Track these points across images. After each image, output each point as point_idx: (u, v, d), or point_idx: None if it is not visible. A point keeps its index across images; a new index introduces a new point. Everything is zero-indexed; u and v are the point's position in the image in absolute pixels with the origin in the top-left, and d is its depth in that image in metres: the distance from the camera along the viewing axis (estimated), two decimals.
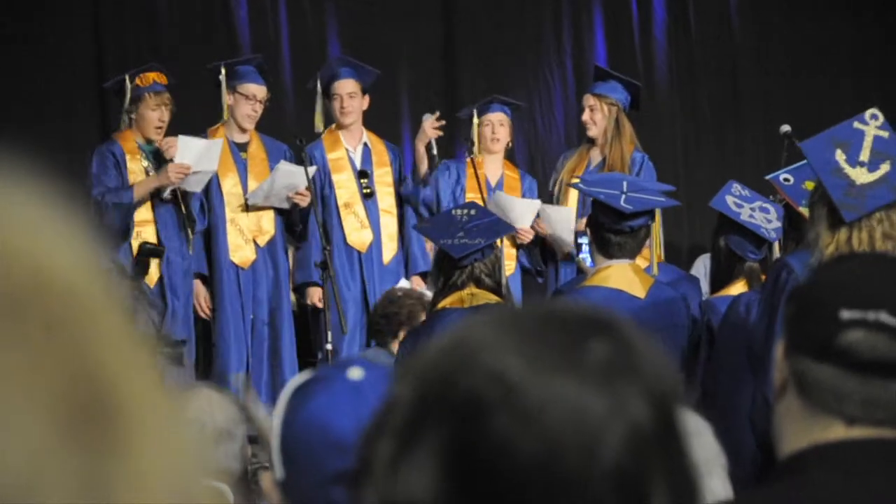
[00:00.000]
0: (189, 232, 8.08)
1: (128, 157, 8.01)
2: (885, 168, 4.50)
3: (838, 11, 10.86)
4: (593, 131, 8.41)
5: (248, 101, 8.23)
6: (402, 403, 1.24)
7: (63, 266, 0.88)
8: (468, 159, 8.55)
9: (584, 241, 5.18)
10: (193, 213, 8.07)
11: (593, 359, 1.21)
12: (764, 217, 5.83)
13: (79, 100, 9.60)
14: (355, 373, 2.03)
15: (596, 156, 8.46)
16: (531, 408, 1.19)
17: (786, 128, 8.32)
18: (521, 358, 1.21)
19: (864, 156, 4.52)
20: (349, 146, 8.51)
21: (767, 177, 5.49)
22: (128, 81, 7.97)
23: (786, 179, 5.29)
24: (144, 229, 8.00)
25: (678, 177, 10.08)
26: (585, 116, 8.44)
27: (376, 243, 8.44)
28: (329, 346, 8.11)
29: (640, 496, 1.19)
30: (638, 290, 5.31)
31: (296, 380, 2.10)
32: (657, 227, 5.48)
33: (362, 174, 8.48)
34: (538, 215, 8.35)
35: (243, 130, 8.28)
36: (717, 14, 10.82)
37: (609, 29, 10.60)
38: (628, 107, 8.46)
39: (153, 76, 8.01)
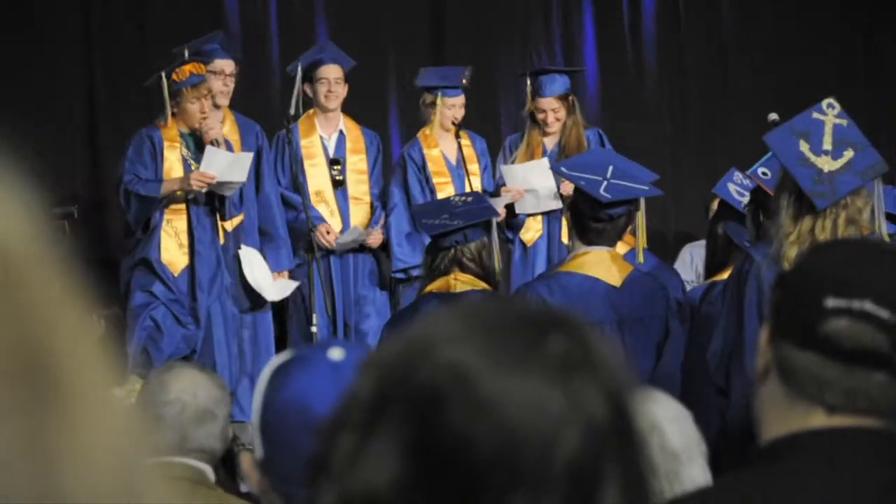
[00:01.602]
0: (221, 224, 8.05)
1: (166, 144, 7.96)
2: (848, 155, 4.56)
3: (827, 3, 10.87)
4: (556, 128, 8.48)
5: (216, 76, 8.19)
6: (362, 396, 1.25)
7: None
8: (422, 136, 8.57)
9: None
10: (226, 207, 8.01)
11: (550, 354, 1.23)
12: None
13: (67, 77, 9.57)
14: (336, 353, 2.03)
15: (549, 140, 8.51)
16: (487, 401, 1.20)
17: (773, 116, 8.31)
18: (478, 351, 1.22)
19: (827, 144, 4.57)
20: (324, 133, 8.48)
21: (747, 172, 5.52)
22: (164, 79, 7.91)
23: (763, 173, 5.32)
24: (176, 217, 7.96)
25: (665, 167, 10.09)
26: (551, 119, 8.45)
27: (345, 232, 8.41)
28: (314, 329, 8.11)
29: (594, 489, 1.21)
30: (614, 278, 5.27)
31: (276, 359, 2.10)
32: (641, 216, 5.44)
33: (334, 161, 8.45)
34: (505, 183, 8.40)
35: (217, 107, 8.23)
36: (706, 5, 10.82)
37: (599, 20, 10.59)
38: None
39: (189, 69, 7.95)
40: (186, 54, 8.09)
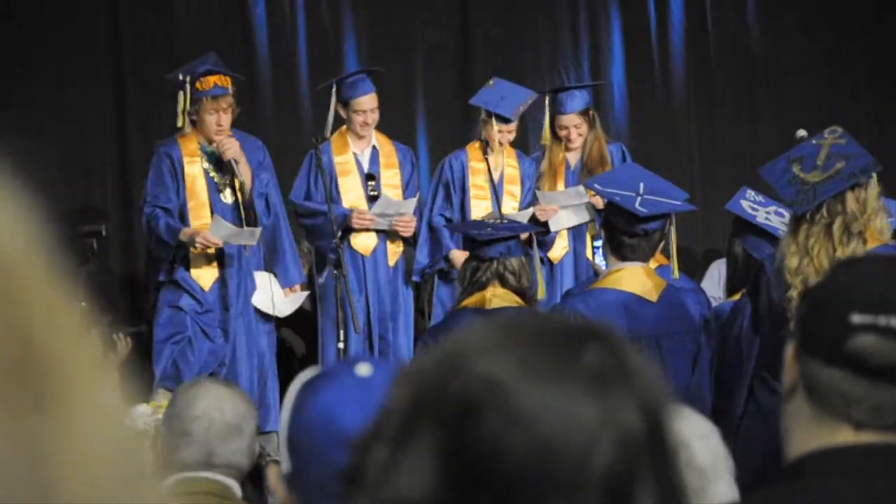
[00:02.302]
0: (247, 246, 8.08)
1: (185, 160, 7.93)
2: (839, 165, 4.58)
3: (854, 13, 10.84)
4: (578, 143, 8.52)
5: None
6: (396, 408, 1.26)
7: None
8: (470, 149, 8.60)
9: (599, 242, 5.16)
10: (255, 215, 8.02)
11: (586, 367, 1.23)
12: (780, 220, 5.85)
13: (96, 91, 9.61)
14: (363, 369, 2.03)
15: (572, 156, 8.55)
16: (522, 412, 1.20)
17: (802, 132, 8.29)
18: (513, 363, 1.23)
19: (820, 160, 4.60)
20: (357, 149, 8.50)
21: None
22: (188, 84, 7.86)
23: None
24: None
25: (693, 181, 10.07)
26: (574, 135, 8.49)
27: (381, 247, 8.43)
28: (341, 346, 8.12)
29: (628, 501, 1.21)
30: (650, 293, 5.28)
31: (304, 374, 2.10)
32: (673, 231, 5.45)
33: (369, 177, 8.48)
34: (538, 202, 8.45)
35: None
36: (734, 17, 10.81)
37: (626, 31, 10.59)
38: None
39: (214, 80, 7.86)
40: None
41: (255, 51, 9.59)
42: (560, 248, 8.56)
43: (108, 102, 9.65)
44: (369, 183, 8.47)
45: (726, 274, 6.16)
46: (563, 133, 8.53)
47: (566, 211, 8.45)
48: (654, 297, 5.26)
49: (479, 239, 5.78)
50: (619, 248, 5.30)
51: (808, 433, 1.93)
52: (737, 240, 5.94)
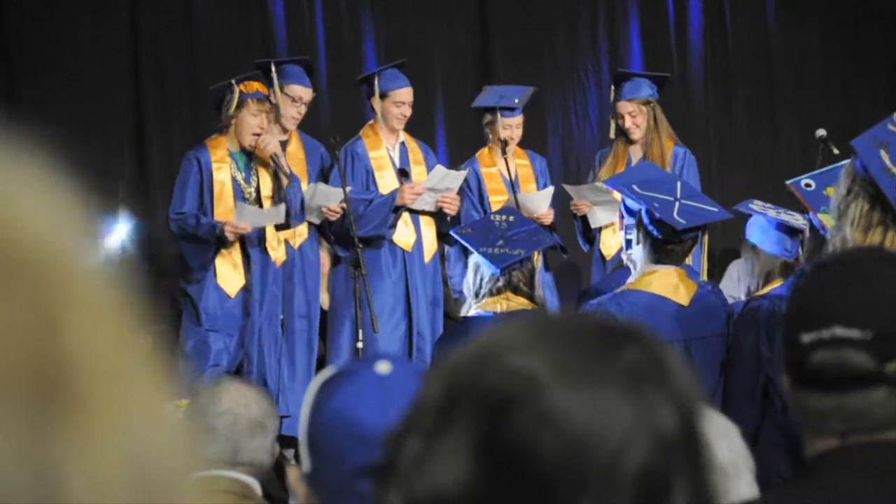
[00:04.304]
0: (284, 240, 8.10)
1: (214, 166, 7.98)
2: None
3: (875, 19, 10.81)
4: (637, 135, 8.48)
5: (293, 102, 8.26)
6: (430, 401, 1.26)
7: (34, 231, 0.88)
8: (479, 156, 8.62)
9: (631, 236, 5.12)
10: (290, 217, 8.05)
11: (621, 365, 1.23)
12: (791, 217, 5.86)
13: (115, 95, 9.64)
14: (383, 367, 2.03)
15: (636, 153, 8.52)
16: (555, 409, 1.21)
17: (821, 132, 8.28)
18: (548, 360, 1.23)
19: None
20: (388, 144, 8.55)
21: (788, 182, 5.49)
22: (235, 86, 7.92)
23: (807, 185, 5.30)
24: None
25: (712, 182, 10.06)
26: (629, 124, 8.47)
27: (419, 242, 8.47)
28: (360, 345, 8.13)
29: (661, 500, 1.22)
30: (682, 297, 5.28)
31: (324, 373, 2.10)
32: (706, 237, 5.48)
33: (403, 173, 8.51)
34: (571, 197, 8.45)
35: (285, 131, 8.31)
36: (753, 18, 10.79)
37: (645, 33, 10.58)
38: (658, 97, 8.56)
39: (256, 85, 8.00)
40: (273, 68, 8.15)
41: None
42: (614, 245, 8.49)
43: (128, 109, 9.67)
44: (404, 178, 8.50)
45: (750, 271, 6.15)
46: (620, 122, 8.53)
47: (601, 207, 8.43)
48: (685, 301, 5.26)
49: (501, 267, 5.80)
50: (653, 252, 5.29)
51: (808, 446, 1.94)
52: (751, 244, 5.96)
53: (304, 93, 8.33)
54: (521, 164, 8.68)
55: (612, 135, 8.59)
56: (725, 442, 2.85)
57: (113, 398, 0.88)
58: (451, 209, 8.37)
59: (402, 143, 8.57)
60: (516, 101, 8.51)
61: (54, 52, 9.46)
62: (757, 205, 5.99)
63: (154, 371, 0.92)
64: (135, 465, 0.88)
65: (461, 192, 8.49)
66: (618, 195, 5.66)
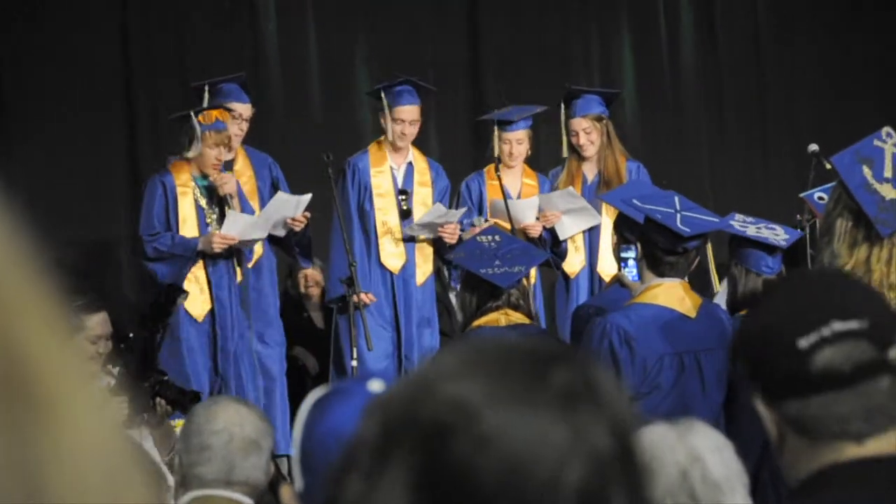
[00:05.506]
0: (238, 269, 8.07)
1: (179, 190, 7.97)
2: None
3: (865, 32, 10.84)
4: (591, 151, 8.51)
5: (233, 119, 8.21)
6: (366, 439, 1.27)
7: None
8: (487, 171, 8.61)
9: (628, 255, 5.10)
10: (242, 254, 8.03)
11: (553, 387, 1.24)
12: (771, 232, 5.87)
13: (106, 112, 9.64)
14: (376, 385, 2.04)
15: (590, 169, 8.54)
16: (491, 434, 1.21)
17: (814, 147, 8.31)
18: (481, 386, 1.24)
19: (888, 172, 4.54)
20: (394, 164, 8.49)
21: (802, 194, 5.52)
22: (193, 119, 7.90)
23: (820, 198, 5.34)
24: (195, 266, 7.98)
25: (706, 195, 10.06)
26: (583, 140, 8.49)
27: (409, 264, 8.43)
28: (354, 363, 8.11)
29: None
30: (688, 309, 5.29)
31: (317, 392, 2.11)
32: (709, 247, 5.50)
33: (402, 192, 8.47)
34: (540, 209, 8.42)
35: (229, 150, 8.25)
36: (744, 33, 10.82)
37: (637, 49, 10.60)
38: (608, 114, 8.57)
39: (216, 114, 7.97)
40: (206, 89, 8.12)
41: (266, 70, 9.59)
42: (577, 263, 8.54)
43: (120, 122, 9.67)
44: (401, 197, 8.46)
45: (728, 295, 6.17)
46: (574, 139, 8.53)
47: (569, 217, 8.43)
48: (692, 313, 5.28)
49: (506, 285, 5.85)
50: (657, 265, 5.29)
51: (812, 459, 1.93)
52: (734, 259, 5.98)
53: (244, 109, 8.29)
54: (529, 183, 8.66)
55: (563, 153, 8.60)
56: (719, 456, 2.85)
57: (67, 395, 0.92)
58: (450, 239, 8.33)
59: (410, 163, 8.52)
60: (519, 115, 8.51)
61: (44, 69, 9.45)
62: (738, 220, 6.00)
63: (88, 371, 0.96)
64: (98, 455, 0.92)
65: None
66: (612, 213, 5.67)
